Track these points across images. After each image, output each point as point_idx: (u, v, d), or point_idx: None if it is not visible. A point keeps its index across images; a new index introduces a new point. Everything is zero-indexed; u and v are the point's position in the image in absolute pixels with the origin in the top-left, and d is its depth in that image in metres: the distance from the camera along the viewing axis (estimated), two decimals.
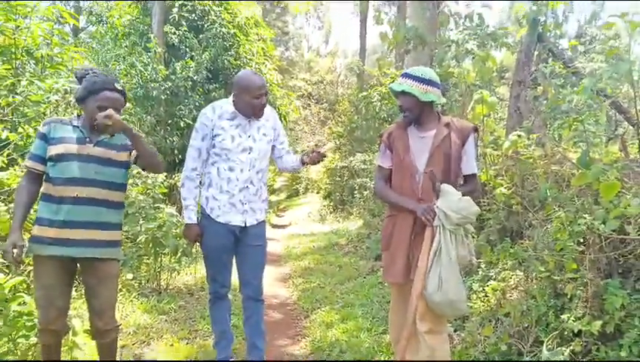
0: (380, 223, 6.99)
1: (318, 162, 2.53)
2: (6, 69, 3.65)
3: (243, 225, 2.50)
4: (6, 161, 3.20)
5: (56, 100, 3.72)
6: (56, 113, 3.79)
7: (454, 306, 2.04)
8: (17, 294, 2.53)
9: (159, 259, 4.32)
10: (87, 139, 2.12)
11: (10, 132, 3.31)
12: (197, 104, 8.56)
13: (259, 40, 10.64)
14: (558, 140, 3.95)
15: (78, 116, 2.21)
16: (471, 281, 3.43)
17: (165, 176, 5.17)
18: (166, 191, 4.97)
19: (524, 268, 2.93)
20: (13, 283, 2.53)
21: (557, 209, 2.71)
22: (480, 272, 3.43)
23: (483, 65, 4.50)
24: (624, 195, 2.35)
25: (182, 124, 8.38)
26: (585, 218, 2.39)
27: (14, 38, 3.64)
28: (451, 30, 5.74)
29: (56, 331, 2.12)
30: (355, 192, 9.57)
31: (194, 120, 8.65)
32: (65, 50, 4.02)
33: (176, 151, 8.38)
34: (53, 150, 2.07)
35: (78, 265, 2.14)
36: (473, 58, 4.83)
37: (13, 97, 3.48)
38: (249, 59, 9.75)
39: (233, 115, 2.46)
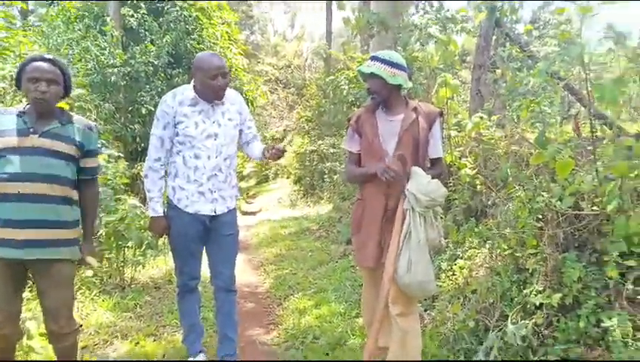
0: (350, 207, 7.06)
1: (278, 158, 2.45)
2: None
3: (213, 213, 2.42)
4: None
5: (3, 88, 3.51)
6: (1, 102, 3.58)
7: (423, 287, 2.09)
8: None
9: (122, 253, 4.17)
10: (31, 130, 1.95)
11: None
12: (159, 90, 8.29)
13: (223, 24, 10.36)
14: (517, 121, 4.08)
15: (27, 105, 2.04)
16: (439, 261, 3.53)
17: (127, 166, 5.01)
18: (128, 181, 4.80)
19: (488, 245, 3.04)
20: None
21: (517, 188, 2.81)
22: (448, 252, 3.54)
23: (445, 50, 4.56)
24: (578, 173, 2.47)
25: (143, 110, 8.11)
26: (543, 196, 2.50)
27: None
28: (413, 15, 5.79)
29: (6, 335, 1.99)
30: (325, 176, 9.61)
31: (156, 106, 8.32)
32: (12, 34, 3.77)
33: (138, 140, 8.12)
34: None
35: (26, 267, 2.00)
36: (436, 42, 4.90)
37: None
38: (213, 43, 9.49)
39: (194, 100, 2.36)
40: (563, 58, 2.39)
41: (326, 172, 9.54)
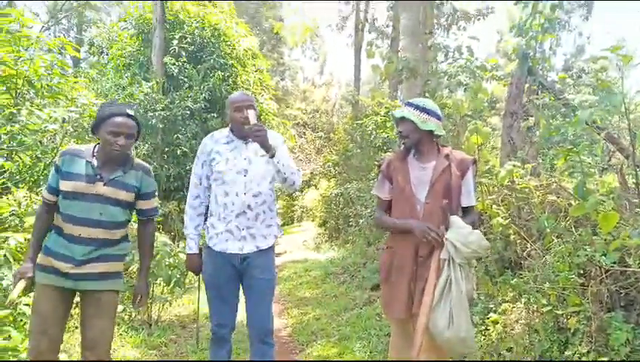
0: (375, 252, 6.93)
1: (259, 137, 2.21)
2: (6, 99, 3.66)
3: (240, 252, 2.33)
4: (0, 190, 3.16)
5: (54, 129, 3.72)
6: (52, 142, 3.79)
7: (466, 343, 1.99)
8: (4, 328, 2.46)
9: (151, 290, 4.22)
10: (98, 177, 2.06)
11: (6, 160, 3.29)
12: (194, 132, 8.63)
13: (256, 71, 10.83)
14: (552, 170, 3.99)
15: (94, 147, 2.14)
16: (470, 314, 3.37)
17: (159, 204, 5.13)
18: (160, 219, 4.91)
19: (524, 300, 2.90)
20: (0, 317, 2.46)
21: (556, 240, 2.70)
22: (479, 304, 3.38)
23: (475, 97, 4.59)
24: (623, 226, 2.35)
25: (178, 151, 8.42)
26: (585, 249, 2.39)
27: (16, 69, 3.67)
28: (442, 62, 5.90)
29: None
30: (351, 220, 9.52)
31: (191, 148, 8.71)
32: (65, 80, 4.04)
33: (172, 179, 8.36)
34: (63, 185, 2.04)
35: (76, 295, 2.11)
36: (465, 90, 4.94)
37: (11, 126, 3.48)
38: (246, 89, 9.90)
39: (229, 138, 2.42)
40: (603, 107, 2.36)
41: (352, 216, 9.47)
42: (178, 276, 4.14)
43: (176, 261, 4.25)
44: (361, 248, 7.79)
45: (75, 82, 4.16)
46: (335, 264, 8.11)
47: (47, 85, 3.92)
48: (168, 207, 6.85)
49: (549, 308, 2.54)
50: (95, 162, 2.07)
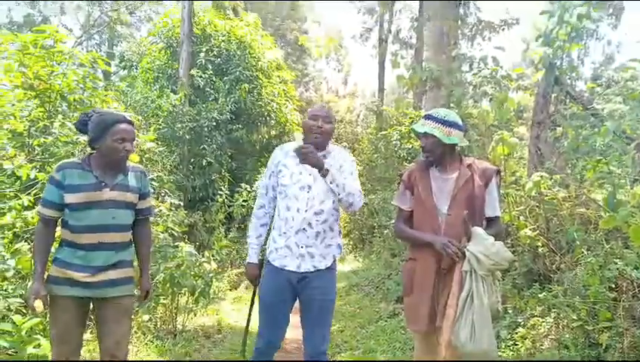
0: (400, 263, 6.85)
1: (306, 159, 2.17)
2: (40, 112, 3.83)
3: (297, 270, 2.26)
4: (32, 201, 3.29)
5: (84, 140, 3.86)
6: (82, 153, 3.93)
7: (488, 356, 1.94)
8: (33, 336, 2.51)
9: (176, 300, 4.27)
10: (103, 184, 2.11)
11: (39, 172, 3.43)
12: (219, 143, 8.78)
13: (280, 82, 10.98)
14: (581, 181, 3.87)
15: (88, 157, 2.15)
16: (498, 328, 3.28)
17: (185, 214, 5.23)
18: (186, 229, 5.00)
19: (554, 315, 2.80)
20: (30, 325, 2.52)
21: (585, 252, 2.61)
22: (507, 318, 3.29)
23: (501, 107, 4.51)
24: None
25: (204, 162, 8.57)
26: (616, 263, 2.30)
27: (50, 83, 3.84)
28: (467, 72, 5.84)
29: None
30: (375, 231, 9.45)
31: (216, 158, 8.87)
32: (97, 93, 4.20)
33: (197, 190, 8.51)
34: (72, 198, 2.04)
35: (92, 303, 2.16)
36: (491, 100, 4.87)
37: (44, 138, 3.63)
38: (271, 100, 10.04)
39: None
40: (633, 116, 2.28)
41: (376, 227, 9.40)
42: (202, 286, 4.18)
43: (201, 271, 4.31)
44: (386, 259, 7.70)
45: (105, 95, 4.32)
46: (359, 275, 8.05)
47: (79, 98, 4.08)
48: (194, 217, 6.96)
49: (580, 323, 2.45)
50: (96, 172, 2.12)
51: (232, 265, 7.10)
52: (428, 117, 2.24)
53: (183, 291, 4.21)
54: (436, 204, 2.18)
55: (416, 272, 2.21)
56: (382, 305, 5.70)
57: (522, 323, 3.13)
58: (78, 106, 4.08)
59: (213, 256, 5.17)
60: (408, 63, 6.78)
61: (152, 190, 2.44)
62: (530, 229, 3.45)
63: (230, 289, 6.31)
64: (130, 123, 2.16)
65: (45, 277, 2.10)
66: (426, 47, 7.15)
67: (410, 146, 9.65)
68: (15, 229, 3.09)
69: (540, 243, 3.39)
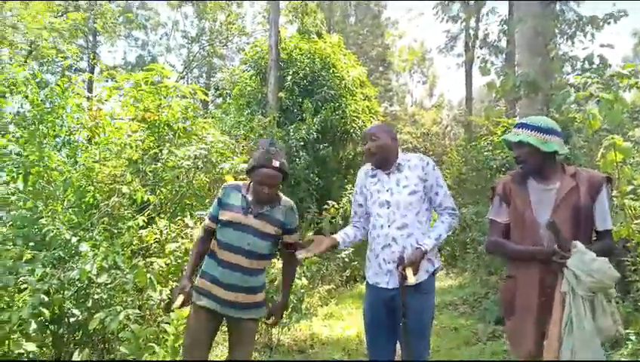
0: (498, 282, 6.39)
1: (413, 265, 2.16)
2: (151, 141, 4.31)
3: (387, 286, 2.27)
4: (146, 220, 3.67)
5: (188, 165, 4.24)
6: (186, 177, 4.32)
7: None
8: (149, 344, 2.74)
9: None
10: (250, 210, 2.24)
11: (151, 194, 3.83)
12: (307, 162, 9.05)
13: (364, 98, 11.07)
14: None
15: (250, 182, 2.30)
16: (619, 356, 2.90)
17: None
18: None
19: None
20: (146, 334, 2.76)
21: None
22: (630, 345, 2.89)
23: (611, 108, 4.06)
24: None
25: (292, 181, 8.88)
26: None
27: (158, 115, 4.32)
28: (568, 74, 5.36)
29: None
30: (468, 247, 8.97)
31: (304, 177, 9.15)
32: (197, 121, 4.63)
33: None
34: (222, 215, 2.25)
35: (224, 318, 2.33)
36: (598, 102, 4.40)
37: (155, 165, 4.07)
38: (355, 117, 10.15)
39: (373, 171, 2.43)
40: None
41: (469, 242, 8.91)
42: (295, 302, 4.28)
43: (294, 286, 4.42)
44: (482, 277, 7.25)
45: (204, 122, 4.73)
46: (453, 293, 7.67)
47: (183, 127, 4.52)
48: None
49: None
50: (249, 196, 2.28)
51: (322, 281, 7.19)
52: (521, 125, 2.11)
53: None
54: (536, 217, 2.02)
55: (517, 291, 2.06)
56: (480, 325, 5.35)
57: None
58: (181, 134, 4.52)
59: (303, 272, 5.29)
60: (499, 69, 6.40)
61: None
62: None
63: (321, 306, 6.39)
64: (277, 169, 2.19)
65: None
66: (518, 50, 6.70)
67: (504, 156, 9.06)
68: (132, 247, 3.48)
69: None
